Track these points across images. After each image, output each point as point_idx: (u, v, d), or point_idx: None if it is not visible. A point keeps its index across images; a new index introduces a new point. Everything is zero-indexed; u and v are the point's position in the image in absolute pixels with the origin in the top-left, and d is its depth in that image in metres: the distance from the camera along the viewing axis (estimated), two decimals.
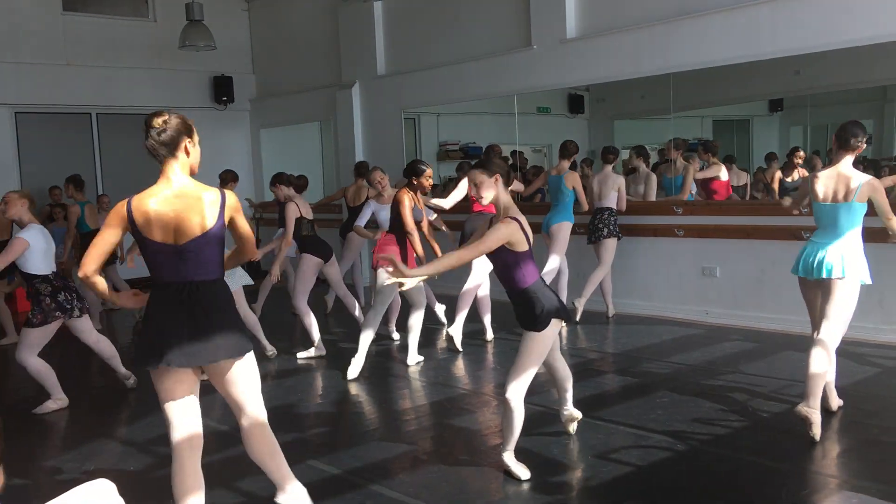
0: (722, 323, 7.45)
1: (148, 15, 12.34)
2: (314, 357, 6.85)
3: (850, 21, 6.47)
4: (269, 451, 3.31)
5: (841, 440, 4.44)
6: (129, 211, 3.03)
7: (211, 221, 3.03)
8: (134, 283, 3.47)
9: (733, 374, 5.83)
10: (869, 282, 4.48)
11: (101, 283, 3.18)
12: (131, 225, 3.04)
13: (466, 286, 6.92)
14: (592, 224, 7.77)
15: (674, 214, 7.86)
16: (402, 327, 7.06)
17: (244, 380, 3.16)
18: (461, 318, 6.87)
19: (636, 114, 10.46)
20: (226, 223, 3.11)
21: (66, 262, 8.35)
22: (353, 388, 5.97)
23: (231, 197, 3.14)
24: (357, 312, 7.44)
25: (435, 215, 7.23)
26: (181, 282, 3.04)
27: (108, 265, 8.81)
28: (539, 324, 3.86)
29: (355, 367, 6.15)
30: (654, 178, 8.35)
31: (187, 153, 3.08)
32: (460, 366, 6.56)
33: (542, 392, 5.12)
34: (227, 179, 7.79)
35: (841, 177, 4.42)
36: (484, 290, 7.09)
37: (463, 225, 6.71)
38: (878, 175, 6.49)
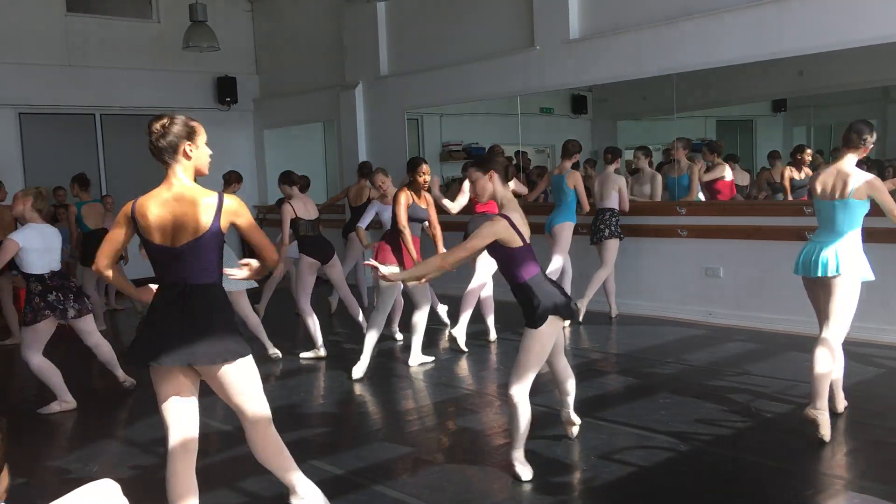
0: (725, 323, 7.45)
1: (151, 16, 12.36)
2: (313, 358, 6.85)
3: (853, 22, 6.45)
4: (274, 455, 3.29)
5: (845, 441, 4.42)
6: (133, 212, 3.09)
7: (205, 226, 3.00)
8: (139, 283, 3.46)
9: (737, 374, 5.82)
10: (871, 278, 4.45)
11: (116, 277, 3.27)
12: (134, 226, 3.09)
13: (470, 286, 6.92)
14: (594, 225, 7.77)
15: (677, 215, 7.85)
16: (406, 328, 7.06)
17: (239, 385, 3.12)
18: (465, 318, 6.87)
19: (639, 114, 10.46)
20: (223, 228, 3.05)
21: (68, 261, 8.37)
22: (357, 389, 5.97)
23: (230, 201, 3.07)
24: (360, 318, 7.44)
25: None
26: (178, 283, 3.06)
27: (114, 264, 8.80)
28: (536, 320, 3.87)
29: (360, 368, 6.15)
30: (659, 177, 8.34)
31: (187, 157, 3.06)
32: (463, 366, 6.56)
33: (545, 392, 5.11)
34: (230, 180, 7.79)
35: (840, 173, 4.41)
36: (487, 291, 7.09)
37: (466, 226, 6.71)
38: (881, 175, 6.48)
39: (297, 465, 3.37)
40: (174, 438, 3.11)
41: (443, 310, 8.06)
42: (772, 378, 5.60)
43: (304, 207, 6.87)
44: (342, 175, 11.49)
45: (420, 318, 6.39)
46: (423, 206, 6.28)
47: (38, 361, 5.55)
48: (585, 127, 10.79)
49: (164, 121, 3.05)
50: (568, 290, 7.94)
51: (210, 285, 3.07)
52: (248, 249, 3.51)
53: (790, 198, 7.63)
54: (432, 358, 6.54)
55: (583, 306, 7.72)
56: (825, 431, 4.27)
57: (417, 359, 6.45)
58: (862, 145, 4.42)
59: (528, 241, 3.93)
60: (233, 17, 12.68)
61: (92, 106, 11.72)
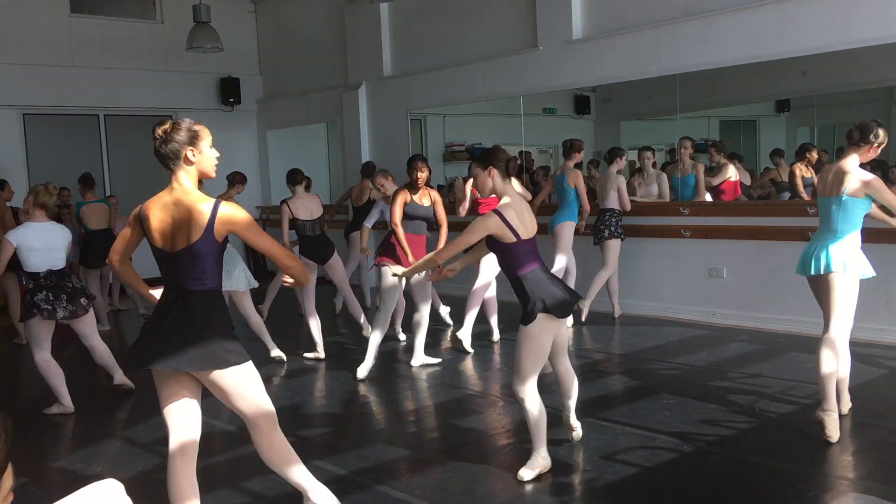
0: (728, 324, 7.44)
1: (155, 17, 12.38)
2: (313, 359, 6.85)
3: (857, 21, 6.45)
4: (281, 459, 3.27)
5: (849, 441, 4.41)
6: (140, 213, 3.11)
7: (196, 234, 2.98)
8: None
9: (740, 375, 5.82)
10: (871, 275, 4.42)
11: (127, 272, 3.35)
12: (141, 227, 3.11)
13: (475, 287, 6.92)
14: (595, 225, 7.79)
15: (680, 215, 7.84)
16: (409, 328, 7.06)
17: (236, 390, 3.09)
18: (470, 318, 6.86)
19: (642, 114, 10.45)
20: (216, 236, 3.01)
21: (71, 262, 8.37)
22: (360, 389, 5.98)
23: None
24: (361, 320, 7.44)
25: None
26: (176, 287, 3.07)
27: None
28: (525, 316, 3.88)
29: (364, 368, 6.15)
30: (665, 177, 8.33)
31: (189, 162, 3.05)
32: (467, 367, 6.56)
33: (548, 392, 5.10)
34: (234, 181, 7.80)
35: (839, 171, 4.39)
36: (491, 292, 7.09)
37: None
38: (885, 176, 6.46)
39: (305, 469, 3.34)
40: (174, 441, 3.12)
41: (445, 311, 8.07)
42: (775, 378, 5.59)
43: (304, 207, 6.86)
44: (345, 176, 11.50)
45: (421, 319, 6.38)
46: (427, 203, 6.24)
47: (41, 360, 5.55)
48: (588, 127, 10.79)
49: (167, 126, 3.04)
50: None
51: (206, 291, 3.05)
52: (251, 251, 3.52)
53: (804, 194, 7.56)
54: (438, 360, 6.52)
55: (585, 307, 7.73)
56: (830, 433, 4.26)
57: (420, 359, 6.45)
58: (866, 144, 4.35)
59: (528, 237, 3.92)
60: (236, 18, 12.70)
61: (96, 107, 11.75)
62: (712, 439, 4.50)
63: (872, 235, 4.84)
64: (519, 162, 9.45)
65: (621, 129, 10.69)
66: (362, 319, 7.45)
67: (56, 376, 5.56)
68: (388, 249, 6.19)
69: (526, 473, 3.97)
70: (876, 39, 6.36)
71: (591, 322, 7.75)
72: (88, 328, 5.79)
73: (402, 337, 7.41)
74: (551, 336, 3.95)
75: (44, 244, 5.44)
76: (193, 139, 3.06)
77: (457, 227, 7.53)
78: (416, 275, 6.14)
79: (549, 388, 5.11)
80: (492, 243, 3.99)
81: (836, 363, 4.35)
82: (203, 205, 3.00)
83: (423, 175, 6.16)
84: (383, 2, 10.07)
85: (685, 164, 8.23)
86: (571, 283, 7.90)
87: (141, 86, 11.80)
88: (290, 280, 3.26)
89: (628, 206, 7.76)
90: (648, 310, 8.06)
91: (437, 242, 6.43)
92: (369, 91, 11.13)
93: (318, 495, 3.34)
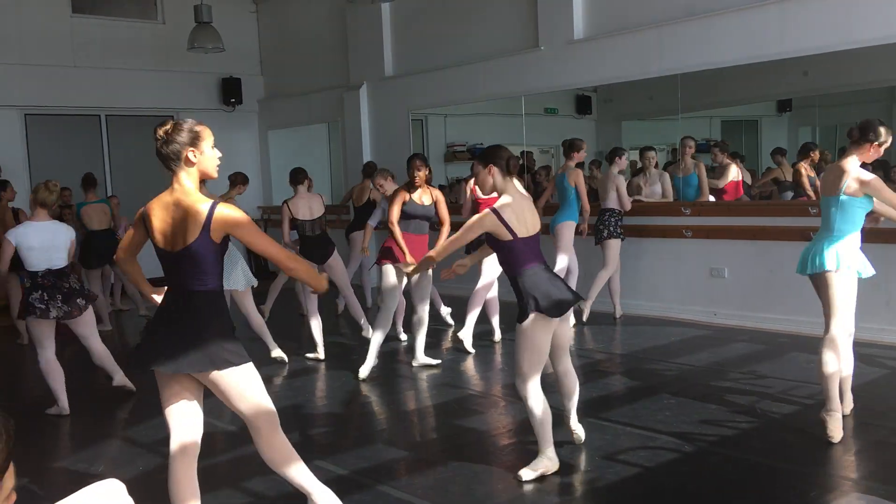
0: (730, 324, 7.44)
1: (156, 17, 12.39)
2: (313, 359, 6.85)
3: (858, 21, 6.44)
4: (282, 460, 3.25)
5: (851, 441, 4.40)
6: (143, 213, 3.12)
7: (193, 235, 2.98)
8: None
9: (741, 375, 5.81)
10: (869, 273, 4.40)
11: (132, 269, 3.41)
12: (144, 227, 3.12)
13: (478, 286, 6.92)
14: (596, 225, 7.79)
15: (682, 215, 7.84)
16: (410, 328, 7.05)
17: (235, 391, 3.08)
18: (472, 318, 6.86)
19: (644, 114, 10.44)
20: (213, 238, 2.99)
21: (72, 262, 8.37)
22: (361, 389, 5.97)
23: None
24: (362, 321, 7.44)
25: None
26: (176, 288, 3.08)
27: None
28: (520, 314, 3.89)
29: (366, 368, 6.15)
30: (667, 176, 8.33)
31: (190, 163, 3.05)
32: (468, 367, 6.56)
33: (550, 392, 5.09)
34: (236, 181, 7.80)
35: (838, 170, 4.38)
36: (493, 292, 7.09)
37: None
38: (887, 176, 6.45)
39: (308, 470, 3.32)
40: (175, 441, 3.12)
41: (446, 311, 8.06)
42: (776, 379, 5.59)
43: (304, 207, 6.86)
44: (347, 176, 11.51)
45: (421, 319, 6.38)
46: (427, 202, 6.21)
47: (43, 361, 5.55)
48: (590, 127, 10.78)
49: (168, 127, 3.04)
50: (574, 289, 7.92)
51: (206, 292, 3.05)
52: (252, 252, 3.51)
53: (811, 192, 7.52)
54: (437, 361, 6.50)
55: (587, 307, 7.72)
56: (833, 433, 4.26)
57: (420, 359, 6.44)
58: (866, 142, 4.31)
59: (527, 235, 3.92)
60: (237, 18, 12.70)
61: (97, 107, 11.76)
62: (714, 439, 4.49)
63: (873, 235, 4.83)
64: (521, 162, 9.45)
65: (623, 129, 10.68)
66: (363, 320, 7.45)
67: (55, 378, 5.55)
68: (388, 250, 6.19)
69: (526, 473, 3.96)
70: (878, 39, 6.35)
71: (593, 322, 7.75)
72: (86, 329, 5.76)
73: (404, 337, 7.41)
74: (546, 335, 3.92)
75: (43, 243, 5.41)
76: (195, 140, 3.05)
77: (460, 227, 7.54)
78: (417, 274, 6.14)
79: (551, 388, 5.11)
80: (492, 241, 4.01)
81: (837, 363, 4.35)
82: (201, 205, 2.99)
83: (420, 174, 6.13)
84: (384, 2, 10.07)
85: (687, 164, 8.23)
86: (573, 283, 7.89)
87: (142, 86, 11.81)
88: (313, 292, 3.25)
89: (627, 206, 7.76)
90: (650, 310, 8.05)
91: (438, 241, 6.43)
92: (370, 91, 11.13)
93: (320, 497, 3.33)
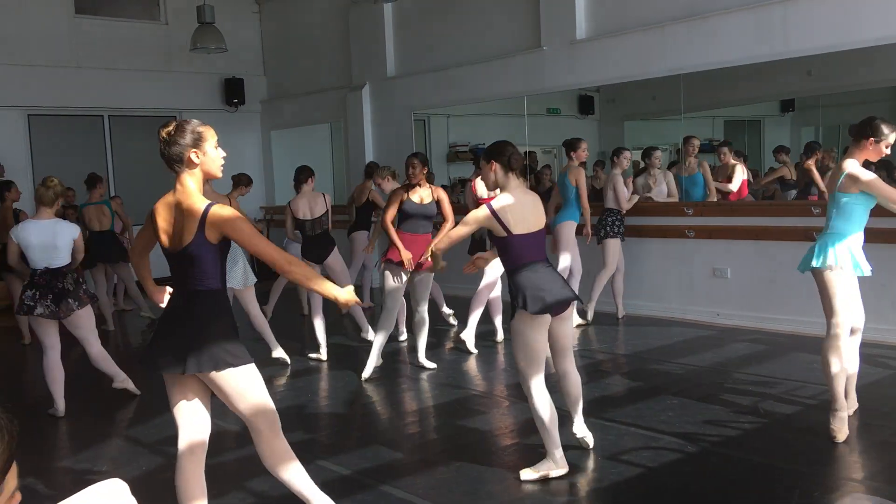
0: (733, 324, 7.43)
1: (159, 17, 12.41)
2: (315, 359, 6.85)
3: (861, 21, 6.43)
4: (279, 465, 3.21)
5: (855, 442, 4.40)
6: (151, 212, 3.13)
7: (190, 236, 2.99)
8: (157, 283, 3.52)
9: (744, 375, 5.81)
10: (866, 273, 4.35)
11: (141, 268, 3.45)
12: (153, 226, 3.13)
13: (480, 286, 6.91)
14: (596, 226, 7.79)
15: (684, 215, 7.84)
16: (412, 328, 7.05)
17: (235, 393, 3.07)
18: (474, 318, 6.85)
19: (647, 114, 10.44)
20: (209, 238, 2.98)
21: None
22: (364, 389, 5.98)
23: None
24: (363, 322, 7.43)
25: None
26: (180, 288, 3.09)
27: (123, 263, 8.86)
28: (512, 311, 3.91)
29: (369, 368, 6.15)
30: (671, 176, 8.32)
31: (193, 164, 3.04)
32: (470, 367, 6.56)
33: (552, 393, 5.09)
34: (239, 182, 7.81)
35: (838, 169, 4.39)
36: (496, 292, 7.09)
37: None
38: (890, 176, 6.44)
39: (307, 476, 3.28)
40: (183, 441, 3.12)
41: (448, 311, 8.05)
42: (779, 379, 5.58)
43: (304, 206, 6.85)
44: (349, 176, 11.51)
45: (422, 319, 6.37)
46: (427, 201, 6.19)
47: (45, 361, 5.56)
48: (593, 127, 10.78)
49: (171, 128, 3.04)
50: (576, 289, 7.91)
51: (208, 291, 3.04)
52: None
53: (822, 187, 7.47)
54: (433, 365, 6.42)
55: (590, 308, 7.72)
56: (837, 433, 4.25)
57: (421, 360, 6.42)
58: (865, 139, 4.26)
59: (524, 232, 3.90)
60: (240, 19, 12.71)
61: (100, 107, 11.77)
62: (716, 440, 4.49)
63: (873, 235, 4.81)
64: (525, 162, 9.44)
65: (625, 129, 10.67)
66: (364, 321, 7.45)
67: (55, 379, 5.54)
68: (391, 250, 6.19)
69: (526, 474, 3.96)
70: (881, 39, 6.34)
71: (596, 322, 7.75)
72: (81, 331, 5.70)
73: (403, 337, 7.40)
74: (536, 332, 3.87)
75: (42, 242, 5.40)
76: (197, 141, 3.05)
77: None
78: (418, 274, 6.16)
79: (553, 388, 5.10)
80: (492, 238, 4.05)
81: (840, 362, 4.34)
82: (198, 206, 2.99)
83: (414, 171, 6.10)
84: (387, 2, 10.08)
85: (691, 164, 8.22)
86: (576, 283, 7.89)
87: (145, 86, 11.82)
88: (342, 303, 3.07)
89: (625, 206, 7.74)
90: (652, 310, 8.05)
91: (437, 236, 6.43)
92: (373, 91, 11.14)
93: None
